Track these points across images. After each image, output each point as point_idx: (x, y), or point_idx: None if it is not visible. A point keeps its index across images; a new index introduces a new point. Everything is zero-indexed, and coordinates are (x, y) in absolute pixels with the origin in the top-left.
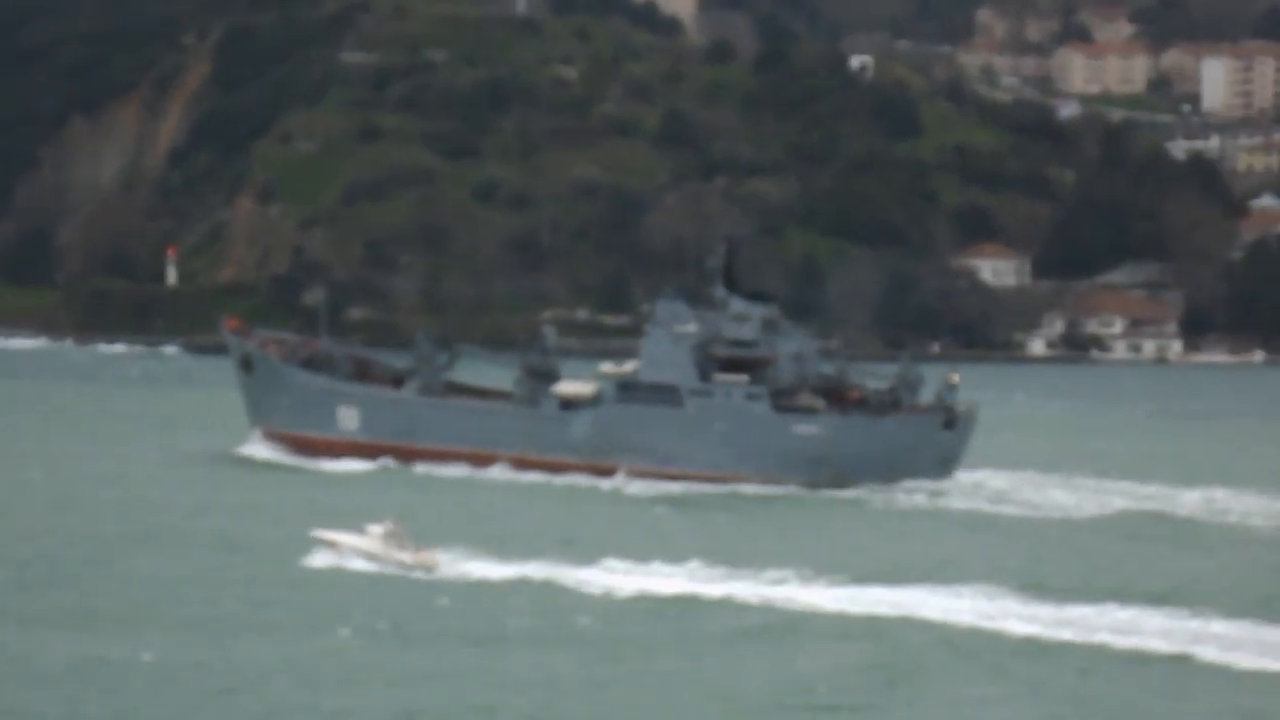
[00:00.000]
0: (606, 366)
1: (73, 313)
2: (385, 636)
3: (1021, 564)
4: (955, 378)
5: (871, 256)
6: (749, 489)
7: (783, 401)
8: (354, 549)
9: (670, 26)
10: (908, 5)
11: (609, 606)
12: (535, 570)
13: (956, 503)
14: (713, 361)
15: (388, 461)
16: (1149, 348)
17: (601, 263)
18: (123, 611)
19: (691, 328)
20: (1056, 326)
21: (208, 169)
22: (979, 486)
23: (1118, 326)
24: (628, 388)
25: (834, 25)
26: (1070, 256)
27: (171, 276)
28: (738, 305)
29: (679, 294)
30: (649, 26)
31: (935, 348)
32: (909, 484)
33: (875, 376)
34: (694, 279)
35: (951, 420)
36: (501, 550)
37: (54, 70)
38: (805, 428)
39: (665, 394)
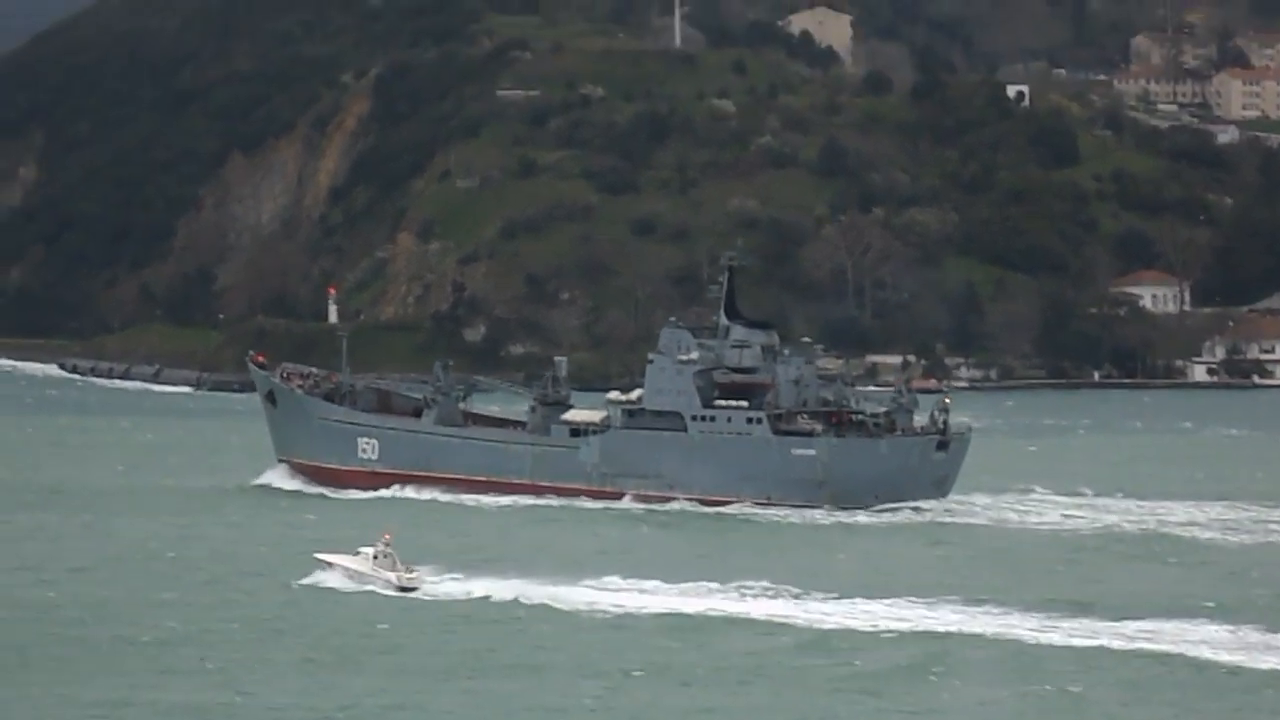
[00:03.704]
0: (614, 395)
1: (235, 352)
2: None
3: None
4: (948, 400)
5: (1031, 284)
6: (751, 510)
7: (782, 425)
8: (345, 570)
9: (826, 58)
10: (1064, 34)
11: (632, 624)
12: (552, 591)
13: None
14: (715, 388)
15: (407, 490)
16: None
17: (761, 295)
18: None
19: (694, 355)
20: (1217, 352)
21: (367, 206)
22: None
23: (1278, 352)
24: (634, 414)
25: (990, 55)
26: (1230, 282)
27: (333, 315)
28: (739, 333)
29: (682, 324)
30: (805, 58)
31: (1096, 375)
32: (906, 504)
33: (872, 400)
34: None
35: (945, 442)
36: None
37: (213, 110)
38: (804, 450)
39: (669, 420)
